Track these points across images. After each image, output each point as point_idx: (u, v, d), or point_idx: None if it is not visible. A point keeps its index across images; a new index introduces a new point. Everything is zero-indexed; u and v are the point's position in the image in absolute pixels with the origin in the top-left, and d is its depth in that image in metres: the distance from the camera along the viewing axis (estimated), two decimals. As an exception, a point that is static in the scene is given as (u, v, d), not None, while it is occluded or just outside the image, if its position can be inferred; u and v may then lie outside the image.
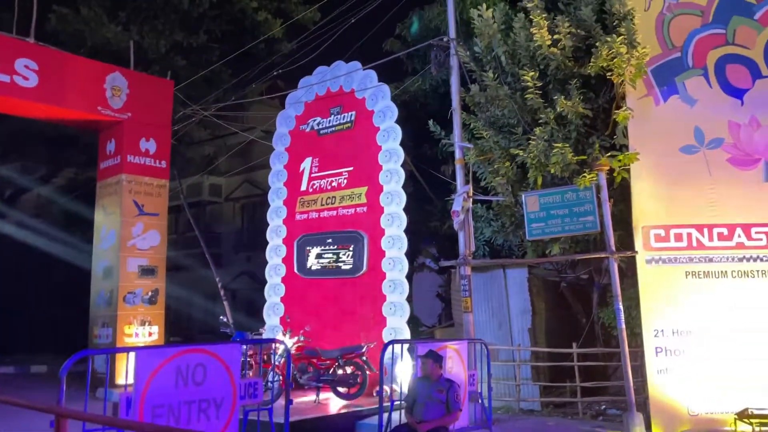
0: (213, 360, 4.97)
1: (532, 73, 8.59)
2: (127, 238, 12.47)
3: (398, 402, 6.77)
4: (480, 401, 7.67)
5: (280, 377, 8.64)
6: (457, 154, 9.69)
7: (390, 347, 7.04)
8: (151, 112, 13.06)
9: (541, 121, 8.63)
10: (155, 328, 12.72)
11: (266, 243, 12.07)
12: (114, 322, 12.15)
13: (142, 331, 12.46)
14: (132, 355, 4.77)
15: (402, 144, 10.58)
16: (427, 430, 5.76)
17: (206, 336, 19.16)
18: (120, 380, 10.71)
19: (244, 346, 7.75)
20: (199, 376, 4.87)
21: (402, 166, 10.57)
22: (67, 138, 28.13)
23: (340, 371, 9.28)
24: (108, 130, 13.09)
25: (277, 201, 12.10)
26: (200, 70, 15.30)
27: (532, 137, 8.49)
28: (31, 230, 21.68)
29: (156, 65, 15.13)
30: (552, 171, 8.39)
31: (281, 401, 6.14)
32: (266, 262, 12.07)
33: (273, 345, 8.33)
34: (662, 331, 7.81)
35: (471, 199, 9.35)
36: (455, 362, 7.08)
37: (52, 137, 27.04)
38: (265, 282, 12.04)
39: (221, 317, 11.50)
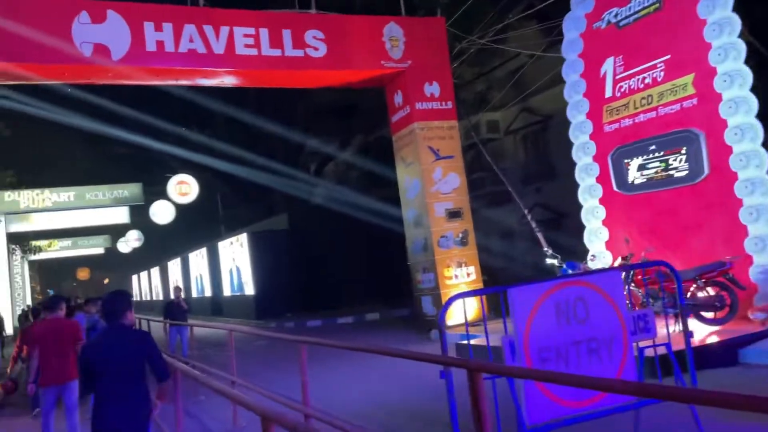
0: (593, 292, 4.20)
1: None
2: (430, 185, 12.55)
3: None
4: None
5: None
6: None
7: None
8: (429, 55, 12.82)
9: None
10: (471, 269, 12.71)
11: (555, 171, 10.97)
12: (433, 266, 12.43)
13: (460, 272, 12.55)
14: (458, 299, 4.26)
15: (734, 9, 8.41)
16: None
17: (512, 277, 18.93)
18: (451, 321, 10.89)
19: (623, 273, 6.83)
20: (581, 311, 4.15)
21: (738, 38, 8.42)
22: (348, 107, 30.42)
23: (700, 294, 7.87)
24: (392, 83, 13.24)
25: (578, 116, 10.85)
26: (461, 6, 14.62)
27: None
28: (339, 195, 23.94)
29: (420, 10, 14.86)
30: None
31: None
32: (558, 191, 10.98)
33: (657, 269, 7.14)
34: None
35: None
36: None
37: (338, 108, 29.52)
38: (560, 212, 10.99)
39: (545, 249, 10.83)
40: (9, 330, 20.86)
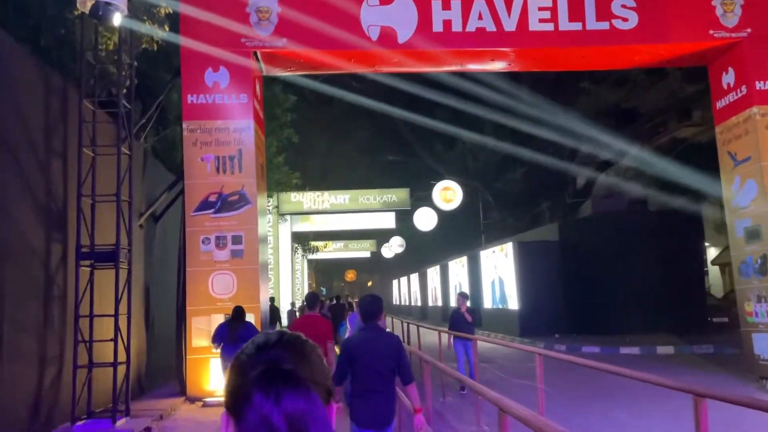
0: None
1: None
2: (774, 187, 9.54)
3: None
4: None
5: None
6: None
7: None
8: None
9: None
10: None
11: None
12: None
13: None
14: None
15: None
16: None
17: None
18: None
19: None
20: None
21: None
22: (628, 111, 27.18)
23: None
24: (720, 59, 10.50)
25: None
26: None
27: None
28: (616, 206, 21.10)
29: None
30: None
31: None
32: None
33: None
34: None
35: None
36: None
37: (617, 112, 26.55)
38: None
39: None
40: (285, 321, 22.55)
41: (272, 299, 19.49)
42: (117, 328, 6.77)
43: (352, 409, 4.23)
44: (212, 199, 9.63)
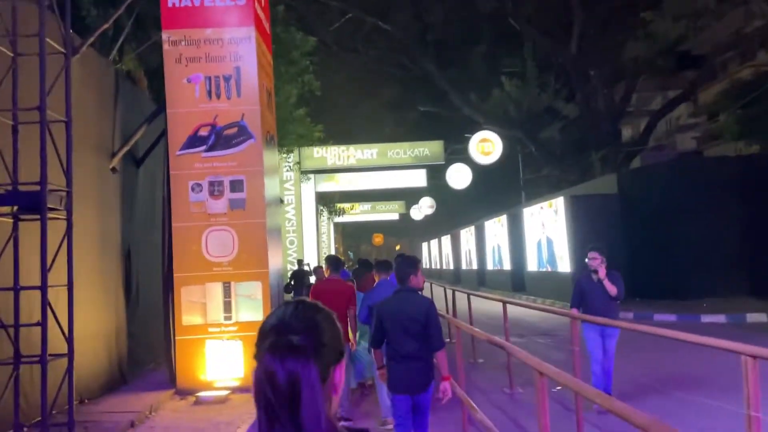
0: None
1: None
2: None
3: None
4: None
5: None
6: None
7: None
8: None
9: None
10: None
11: None
12: None
13: None
14: None
15: None
16: None
17: None
18: None
19: None
20: None
21: None
22: (686, 56, 24.18)
23: None
24: None
25: None
26: None
27: None
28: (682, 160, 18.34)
29: None
30: None
31: None
32: None
33: None
34: None
35: None
36: None
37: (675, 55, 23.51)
38: None
39: None
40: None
41: (300, 261, 17.66)
42: (45, 307, 4.58)
43: (388, 375, 4.13)
44: (203, 133, 7.36)
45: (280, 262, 8.34)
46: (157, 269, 7.91)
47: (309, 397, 1.02)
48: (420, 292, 4.29)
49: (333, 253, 36.35)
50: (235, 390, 6.91)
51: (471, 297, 11.14)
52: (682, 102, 24.93)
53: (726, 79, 27.31)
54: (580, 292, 6.66)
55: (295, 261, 19.45)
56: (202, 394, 6.80)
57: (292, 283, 14.78)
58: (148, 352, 8.25)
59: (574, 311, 6.53)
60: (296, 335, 1.07)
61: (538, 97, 24.04)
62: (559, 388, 7.15)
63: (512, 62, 25.35)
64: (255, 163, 7.41)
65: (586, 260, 6.76)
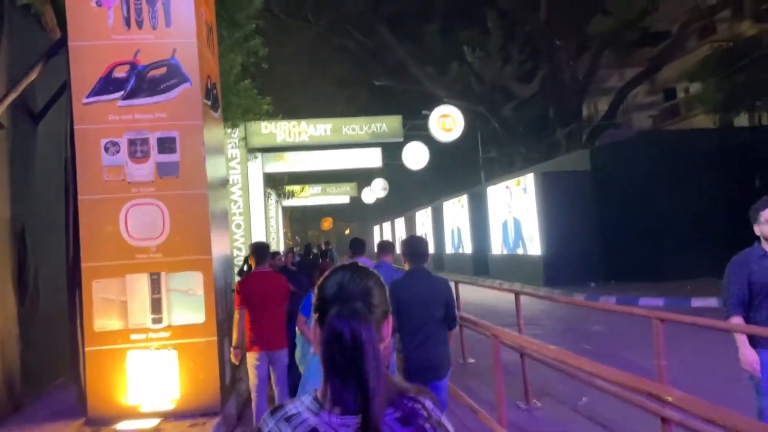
0: None
1: None
2: None
3: None
4: None
5: None
6: None
7: None
8: None
9: None
10: None
11: None
12: None
13: None
14: None
15: None
16: None
17: None
18: None
19: None
20: None
21: None
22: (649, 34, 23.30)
23: None
24: None
25: None
26: None
27: None
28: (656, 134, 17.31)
29: None
30: None
31: None
32: None
33: None
34: None
35: None
36: None
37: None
38: None
39: None
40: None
41: (308, 246, 16.95)
42: None
43: (405, 354, 3.86)
44: (119, 74, 5.49)
45: (227, 247, 6.57)
46: (62, 257, 6.01)
47: (371, 355, 1.13)
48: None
49: (282, 239, 34.46)
50: (168, 417, 5.17)
51: (459, 285, 9.60)
52: (648, 77, 24.14)
53: (693, 51, 26.77)
54: (747, 283, 3.73)
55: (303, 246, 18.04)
56: (121, 425, 5.01)
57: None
58: (51, 365, 6.36)
59: (737, 320, 3.71)
60: (356, 301, 1.20)
61: (501, 70, 22.70)
62: (585, 399, 5.75)
63: (473, 35, 23.94)
64: (192, 115, 5.60)
65: (756, 225, 3.74)
